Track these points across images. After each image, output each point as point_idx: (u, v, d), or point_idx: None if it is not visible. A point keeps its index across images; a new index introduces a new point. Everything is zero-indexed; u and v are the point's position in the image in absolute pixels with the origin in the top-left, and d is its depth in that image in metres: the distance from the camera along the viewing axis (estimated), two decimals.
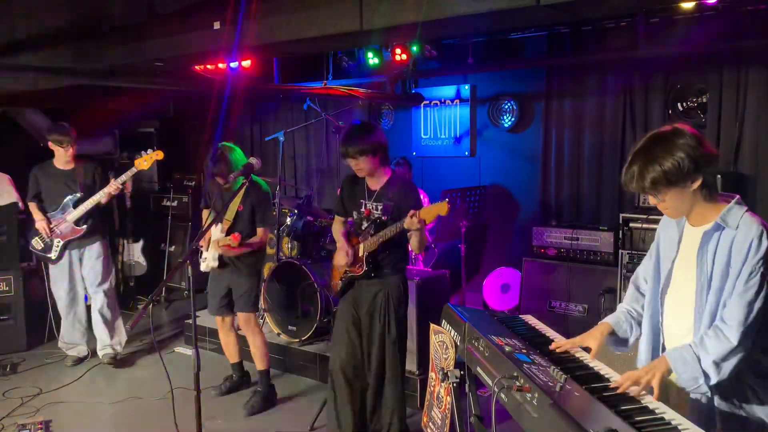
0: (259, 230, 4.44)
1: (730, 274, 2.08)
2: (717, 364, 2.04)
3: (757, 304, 2.03)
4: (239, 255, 4.42)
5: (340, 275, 3.86)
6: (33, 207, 5.17)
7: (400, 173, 6.16)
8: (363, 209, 3.73)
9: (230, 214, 4.40)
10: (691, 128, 2.14)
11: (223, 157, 4.33)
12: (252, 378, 4.87)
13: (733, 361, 2.03)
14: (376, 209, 3.68)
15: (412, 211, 3.33)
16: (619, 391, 2.07)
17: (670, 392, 2.19)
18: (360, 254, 3.70)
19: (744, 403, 2.12)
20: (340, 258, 3.80)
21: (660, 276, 2.34)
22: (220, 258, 4.45)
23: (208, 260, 4.46)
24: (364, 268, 3.68)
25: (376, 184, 3.71)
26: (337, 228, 3.92)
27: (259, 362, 4.59)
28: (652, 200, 2.18)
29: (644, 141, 2.16)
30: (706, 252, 2.16)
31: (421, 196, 6.13)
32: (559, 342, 2.49)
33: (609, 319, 2.50)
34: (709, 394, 2.10)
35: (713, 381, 2.05)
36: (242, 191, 4.11)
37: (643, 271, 2.47)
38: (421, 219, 3.32)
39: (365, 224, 3.71)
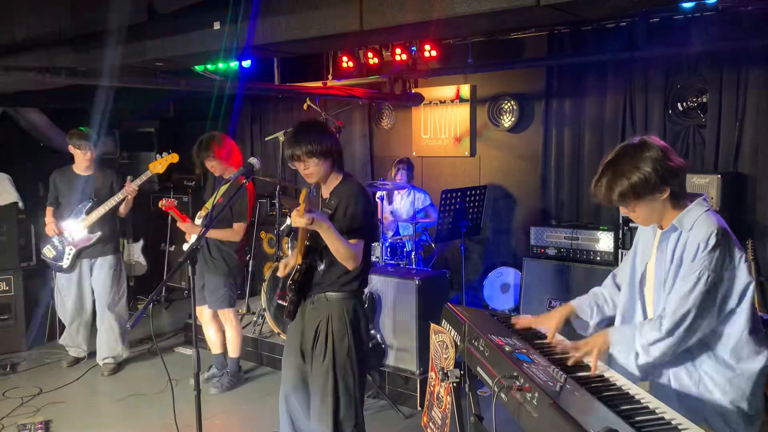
0: (234, 225, 4.59)
1: (680, 273, 2.17)
2: (645, 347, 2.17)
3: (691, 298, 2.10)
4: (210, 252, 4.61)
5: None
6: (49, 211, 5.11)
7: (405, 174, 6.20)
8: None
9: (210, 203, 4.61)
10: (659, 141, 2.20)
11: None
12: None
13: (660, 347, 2.14)
14: None
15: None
16: (557, 353, 2.24)
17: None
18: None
19: (699, 384, 2.20)
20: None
21: (634, 277, 2.42)
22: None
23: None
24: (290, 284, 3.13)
25: (326, 192, 3.18)
26: None
27: (231, 351, 4.88)
28: (623, 210, 2.26)
29: (613, 154, 2.24)
30: (664, 252, 2.25)
31: (422, 195, 6.18)
32: (517, 318, 2.65)
33: (574, 302, 2.63)
34: (637, 372, 2.22)
35: (641, 361, 2.19)
36: (226, 185, 4.49)
37: (621, 269, 2.56)
38: (302, 212, 2.76)
39: None
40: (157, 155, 5.02)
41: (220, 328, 4.88)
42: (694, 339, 2.14)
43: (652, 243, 2.36)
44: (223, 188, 4.58)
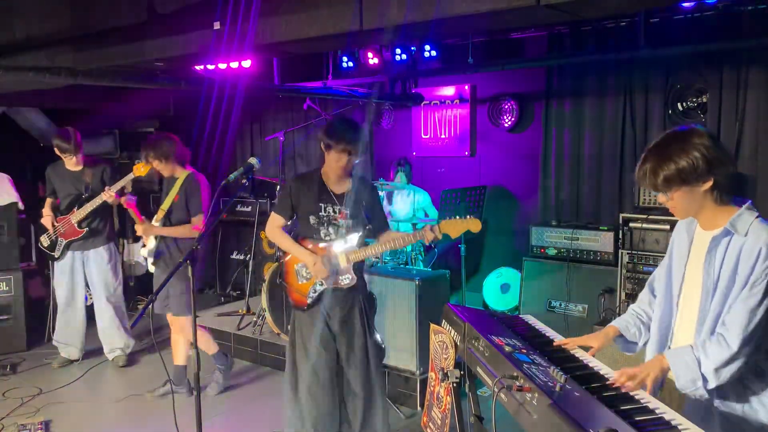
0: (192, 219, 4.49)
1: (737, 281, 2.07)
2: (717, 370, 2.03)
3: (760, 311, 2.01)
4: (170, 253, 4.46)
5: (306, 289, 3.51)
6: (47, 203, 5.23)
7: (403, 172, 6.23)
8: (324, 213, 3.46)
9: (166, 205, 4.51)
10: (707, 130, 2.13)
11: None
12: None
13: (732, 367, 2.03)
14: (345, 215, 3.46)
15: (429, 227, 3.31)
16: (614, 386, 2.07)
17: (668, 390, 2.19)
18: (344, 264, 3.43)
19: (744, 404, 2.12)
20: (318, 269, 3.40)
21: (672, 281, 2.33)
22: (156, 254, 4.52)
23: (148, 257, 4.58)
24: (355, 279, 3.45)
25: (341, 186, 3.50)
26: (282, 233, 3.56)
27: (208, 350, 4.68)
28: (660, 198, 2.18)
29: (660, 138, 2.17)
30: (714, 257, 2.15)
31: (421, 195, 6.19)
32: (562, 340, 2.49)
33: (617, 322, 2.51)
34: (706, 396, 2.09)
35: (711, 386, 2.05)
36: (179, 182, 4.45)
37: (658, 274, 2.46)
38: (443, 233, 3.31)
39: (326, 230, 3.46)
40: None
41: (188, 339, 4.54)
42: (759, 355, 2.04)
43: (687, 246, 2.27)
44: (175, 187, 4.49)
